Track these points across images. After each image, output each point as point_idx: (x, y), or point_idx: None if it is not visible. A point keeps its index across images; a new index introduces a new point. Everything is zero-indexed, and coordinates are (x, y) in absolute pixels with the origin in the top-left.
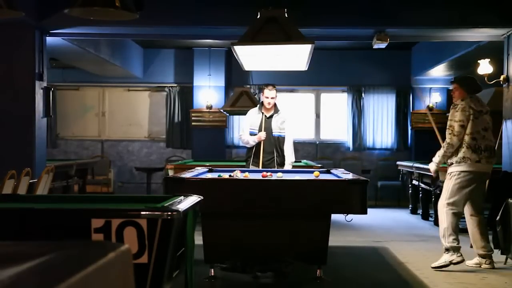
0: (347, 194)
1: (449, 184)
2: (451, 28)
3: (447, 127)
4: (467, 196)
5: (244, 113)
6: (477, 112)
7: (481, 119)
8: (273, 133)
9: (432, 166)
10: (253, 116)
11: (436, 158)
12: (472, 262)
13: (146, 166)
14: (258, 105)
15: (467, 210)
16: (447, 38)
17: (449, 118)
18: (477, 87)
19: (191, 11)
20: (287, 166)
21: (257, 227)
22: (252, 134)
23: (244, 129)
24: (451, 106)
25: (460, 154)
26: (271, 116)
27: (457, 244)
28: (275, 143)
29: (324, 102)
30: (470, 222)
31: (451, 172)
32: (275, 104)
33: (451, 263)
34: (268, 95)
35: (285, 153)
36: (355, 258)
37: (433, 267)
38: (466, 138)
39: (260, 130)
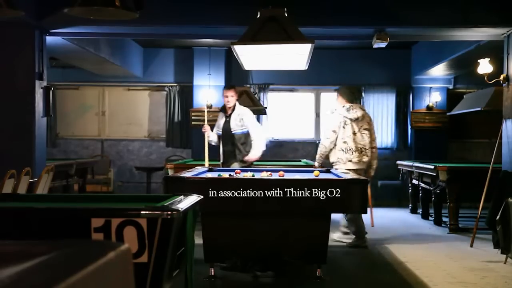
0: (347, 193)
1: None
2: (451, 27)
3: (325, 130)
4: None
5: None
6: (349, 120)
7: (352, 125)
8: (232, 131)
9: (315, 165)
10: (220, 118)
11: (317, 157)
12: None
13: (146, 166)
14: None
15: None
16: (447, 37)
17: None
18: (354, 97)
19: (191, 10)
20: (256, 151)
21: (257, 227)
22: (217, 135)
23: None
24: (331, 112)
25: (335, 155)
26: (229, 116)
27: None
28: (232, 140)
29: (324, 102)
30: None
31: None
32: (234, 104)
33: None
34: (227, 94)
35: (253, 144)
36: (354, 257)
37: (348, 246)
38: (339, 142)
39: (222, 130)
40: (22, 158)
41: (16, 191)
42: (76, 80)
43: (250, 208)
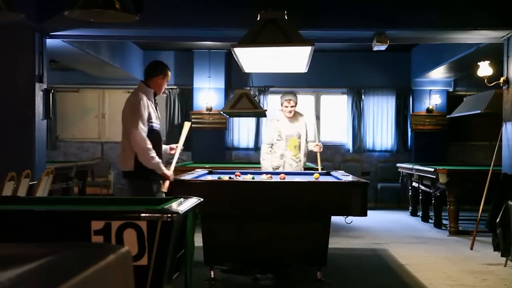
0: (347, 196)
1: None
2: (451, 30)
3: None
4: None
5: (244, 115)
6: None
7: None
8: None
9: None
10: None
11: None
12: None
13: None
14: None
15: None
16: (447, 40)
17: None
18: None
19: (190, 13)
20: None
21: (257, 229)
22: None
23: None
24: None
25: None
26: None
27: None
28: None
29: (324, 104)
30: None
31: None
32: None
33: None
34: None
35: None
36: (355, 260)
37: None
38: None
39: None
40: (22, 160)
41: (16, 193)
42: (76, 83)
43: (250, 210)
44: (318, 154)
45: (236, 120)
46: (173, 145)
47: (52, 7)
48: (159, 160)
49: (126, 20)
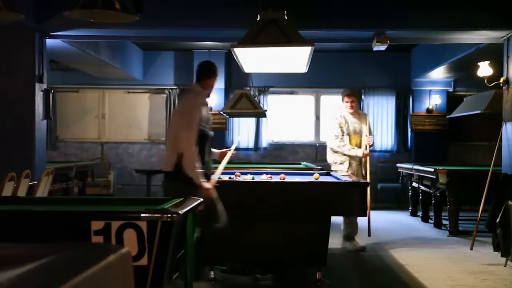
0: (347, 196)
1: None
2: (451, 30)
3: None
4: None
5: (244, 115)
6: None
7: None
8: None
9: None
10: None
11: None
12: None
13: (146, 168)
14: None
15: None
16: (446, 40)
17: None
18: None
19: (191, 13)
20: None
21: (257, 229)
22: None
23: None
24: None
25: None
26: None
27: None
28: (210, 147)
29: (324, 104)
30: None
31: None
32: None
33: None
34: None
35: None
36: (355, 260)
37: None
38: None
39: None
40: (22, 160)
41: (16, 193)
42: (76, 83)
43: (250, 210)
44: (367, 147)
45: (236, 120)
46: (225, 150)
47: (52, 7)
48: (201, 171)
49: (126, 20)
